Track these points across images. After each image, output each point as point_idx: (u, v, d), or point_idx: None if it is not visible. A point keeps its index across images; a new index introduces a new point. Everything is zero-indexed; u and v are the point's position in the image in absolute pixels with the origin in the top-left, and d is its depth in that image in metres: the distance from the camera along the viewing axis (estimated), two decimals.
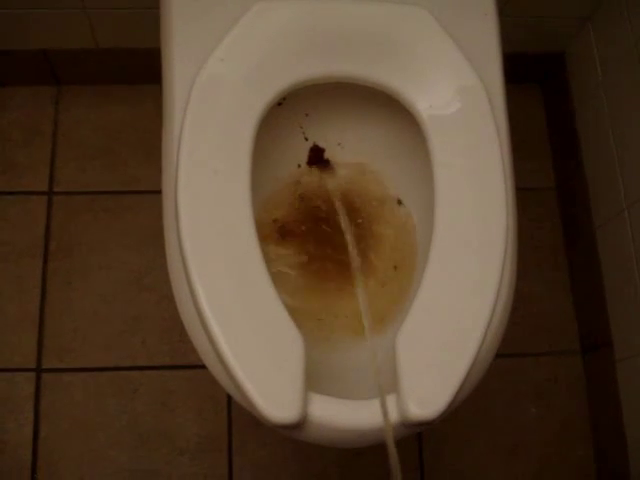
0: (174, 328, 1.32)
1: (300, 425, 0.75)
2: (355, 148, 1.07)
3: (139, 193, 1.41)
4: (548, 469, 1.34)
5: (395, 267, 1.01)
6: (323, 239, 1.03)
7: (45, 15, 1.27)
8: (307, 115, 1.05)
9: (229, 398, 1.30)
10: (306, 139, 1.07)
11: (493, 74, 0.93)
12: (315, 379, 0.78)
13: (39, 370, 1.30)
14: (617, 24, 1.24)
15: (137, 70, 1.42)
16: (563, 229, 1.46)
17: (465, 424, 1.33)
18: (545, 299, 1.41)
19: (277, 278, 0.82)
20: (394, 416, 0.76)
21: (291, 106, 0.99)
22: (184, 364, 1.31)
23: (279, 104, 0.94)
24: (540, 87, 1.55)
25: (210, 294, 0.79)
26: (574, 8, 1.32)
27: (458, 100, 0.89)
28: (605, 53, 1.30)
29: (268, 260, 0.83)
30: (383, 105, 0.97)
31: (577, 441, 1.35)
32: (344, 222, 0.99)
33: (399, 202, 1.05)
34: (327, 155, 1.07)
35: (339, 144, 1.07)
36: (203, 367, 0.85)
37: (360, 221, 1.04)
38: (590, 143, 1.37)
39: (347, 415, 0.75)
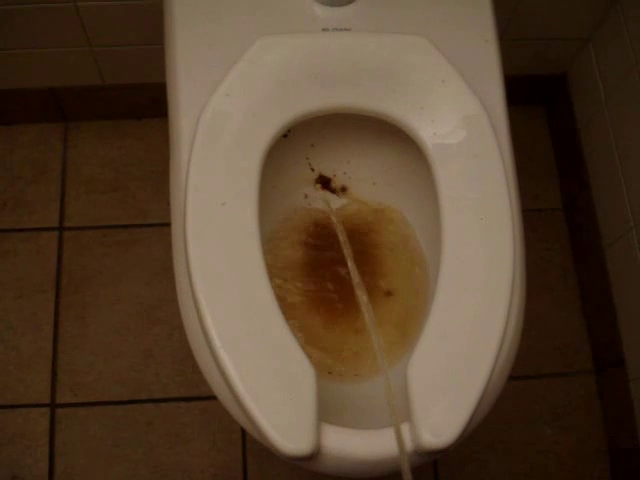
0: (187, 360, 1.32)
1: (314, 457, 0.74)
2: (361, 177, 1.08)
3: (149, 226, 1.42)
4: None
5: (403, 295, 1.02)
6: (328, 273, 1.03)
7: (51, 53, 1.28)
8: (313, 146, 1.06)
9: (243, 429, 1.29)
10: (312, 169, 1.08)
11: (495, 99, 0.93)
12: (327, 410, 0.78)
13: (53, 405, 1.31)
14: (617, 44, 1.25)
15: (143, 105, 1.44)
16: (572, 249, 1.46)
17: (480, 447, 1.33)
18: (556, 320, 1.41)
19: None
20: (408, 445, 0.75)
21: (297, 138, 1.00)
22: (197, 396, 1.31)
23: (284, 136, 0.94)
24: (544, 109, 1.55)
25: (220, 326, 0.79)
26: (574, 29, 1.33)
27: (462, 127, 0.89)
28: (606, 73, 1.31)
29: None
30: (388, 134, 0.98)
31: (593, 461, 1.34)
32: (349, 256, 0.99)
33: (394, 228, 1.06)
34: (333, 185, 1.08)
35: (345, 174, 1.08)
36: (217, 398, 0.85)
37: (368, 253, 1.04)
38: (596, 162, 1.37)
39: (361, 445, 0.75)
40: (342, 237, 1.01)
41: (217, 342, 0.78)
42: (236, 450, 1.30)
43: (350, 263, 0.98)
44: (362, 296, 0.94)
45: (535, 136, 1.54)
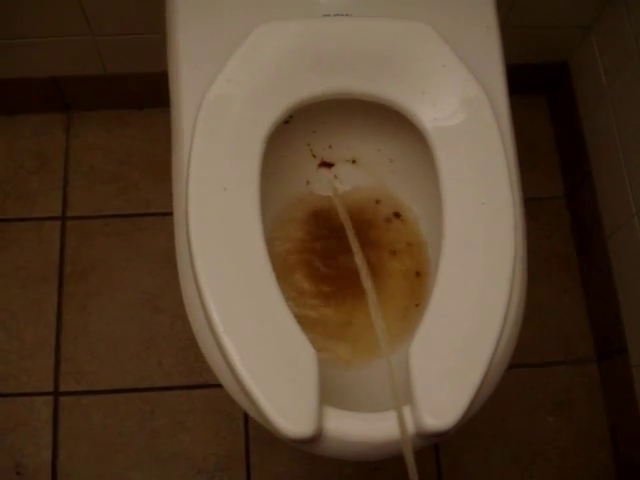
0: (189, 348, 1.33)
1: (316, 439, 0.75)
2: (363, 163, 1.08)
3: (151, 215, 1.42)
4: (568, 478, 1.33)
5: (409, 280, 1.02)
6: (333, 257, 1.03)
7: (54, 43, 1.29)
8: (314, 132, 1.06)
9: (246, 416, 1.30)
10: (314, 156, 1.08)
11: (496, 85, 0.93)
12: (329, 393, 0.78)
13: (57, 394, 1.31)
14: (619, 31, 1.25)
15: (145, 94, 1.44)
16: (574, 237, 1.46)
17: (483, 435, 1.33)
18: (558, 308, 1.41)
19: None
20: (409, 428, 0.76)
21: (298, 124, 1.00)
22: (200, 384, 1.32)
23: (286, 122, 0.95)
24: (546, 97, 1.55)
25: (223, 311, 0.79)
26: (576, 17, 1.33)
27: (462, 112, 0.89)
28: (608, 61, 1.31)
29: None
30: (390, 120, 0.97)
31: (596, 449, 1.34)
32: (353, 242, 0.99)
33: (396, 215, 1.06)
34: (335, 171, 1.08)
35: (347, 160, 1.08)
36: (219, 386, 0.85)
37: (370, 240, 1.04)
38: (598, 151, 1.37)
39: (363, 428, 0.75)
40: (346, 222, 1.01)
41: (220, 327, 0.78)
42: (238, 438, 1.30)
43: (354, 246, 0.98)
44: (366, 279, 0.94)
45: (537, 125, 1.54)
